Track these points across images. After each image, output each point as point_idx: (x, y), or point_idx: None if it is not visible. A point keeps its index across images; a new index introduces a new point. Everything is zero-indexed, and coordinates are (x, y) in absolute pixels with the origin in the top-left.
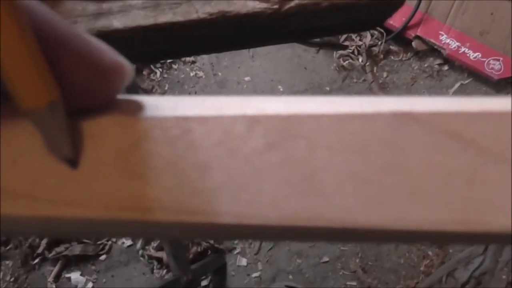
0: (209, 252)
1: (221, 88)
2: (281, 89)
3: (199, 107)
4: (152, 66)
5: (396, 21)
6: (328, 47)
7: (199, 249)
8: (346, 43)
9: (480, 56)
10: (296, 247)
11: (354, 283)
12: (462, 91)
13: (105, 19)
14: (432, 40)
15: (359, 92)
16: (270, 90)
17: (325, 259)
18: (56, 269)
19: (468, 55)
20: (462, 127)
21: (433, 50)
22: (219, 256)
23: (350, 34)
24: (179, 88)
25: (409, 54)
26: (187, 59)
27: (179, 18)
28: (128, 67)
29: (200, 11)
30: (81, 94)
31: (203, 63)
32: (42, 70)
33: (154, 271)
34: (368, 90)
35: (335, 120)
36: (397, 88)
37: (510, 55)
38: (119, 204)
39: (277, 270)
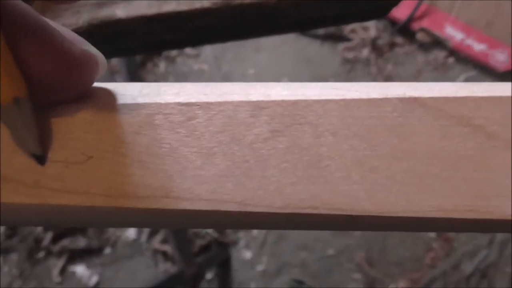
0: (213, 245)
1: (226, 81)
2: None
3: (202, 93)
4: (156, 60)
5: (401, 13)
6: (333, 40)
7: (203, 243)
8: (351, 35)
9: (485, 48)
10: (300, 240)
11: (359, 276)
12: None
13: (108, 8)
14: (437, 32)
15: None
16: None
17: (330, 252)
18: (61, 263)
19: (473, 47)
20: (470, 113)
21: (438, 42)
22: (223, 250)
23: (354, 27)
24: (183, 81)
25: (414, 46)
26: (191, 52)
27: (183, 7)
28: (100, 58)
29: (204, 0)
30: (52, 86)
31: (207, 56)
32: (6, 65)
33: (159, 264)
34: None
35: (341, 106)
36: (402, 80)
37: None
38: (121, 192)
39: (282, 263)
